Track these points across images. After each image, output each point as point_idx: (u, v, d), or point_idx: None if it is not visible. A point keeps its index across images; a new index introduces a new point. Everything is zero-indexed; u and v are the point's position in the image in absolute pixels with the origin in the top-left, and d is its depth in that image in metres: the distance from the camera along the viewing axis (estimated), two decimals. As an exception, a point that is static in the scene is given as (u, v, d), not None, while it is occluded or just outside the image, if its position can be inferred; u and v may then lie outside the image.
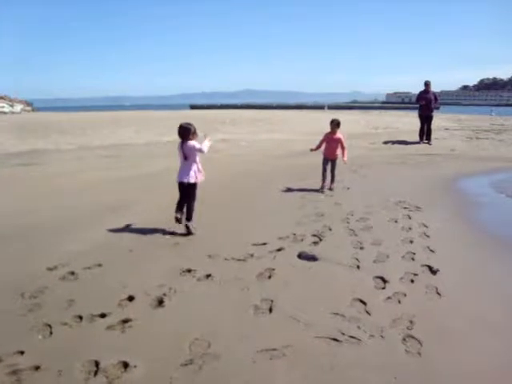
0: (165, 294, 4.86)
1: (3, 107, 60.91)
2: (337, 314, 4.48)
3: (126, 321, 4.30)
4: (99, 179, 11.58)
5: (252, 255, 6.12)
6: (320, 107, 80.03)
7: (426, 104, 19.10)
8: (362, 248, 6.44)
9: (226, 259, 5.99)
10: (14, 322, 4.30)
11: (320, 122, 26.18)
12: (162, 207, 8.47)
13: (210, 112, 54.53)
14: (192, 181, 7.05)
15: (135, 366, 3.54)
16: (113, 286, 5.11)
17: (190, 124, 7.07)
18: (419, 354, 3.85)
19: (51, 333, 4.10)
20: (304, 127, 27.79)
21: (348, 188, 10.70)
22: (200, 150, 6.97)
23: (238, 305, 4.67)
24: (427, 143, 19.31)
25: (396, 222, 7.82)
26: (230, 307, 4.63)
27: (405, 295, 4.94)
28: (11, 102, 68.46)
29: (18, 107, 66.54)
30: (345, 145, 10.42)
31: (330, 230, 7.30)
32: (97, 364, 3.58)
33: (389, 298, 4.88)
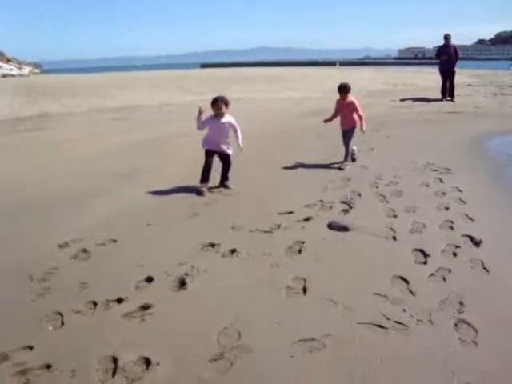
0: (187, 274, 4.42)
1: (11, 70, 60.23)
2: (378, 294, 4.02)
3: (145, 307, 3.87)
4: (112, 144, 11.12)
5: (279, 226, 5.67)
6: (331, 63, 78.23)
7: (447, 59, 18.24)
8: (395, 216, 5.96)
9: (250, 231, 5.54)
10: (23, 310, 3.89)
11: (334, 80, 25.31)
12: (181, 174, 8.04)
13: (223, 70, 53.45)
14: (230, 151, 7.41)
15: (158, 364, 3.11)
16: (129, 265, 4.69)
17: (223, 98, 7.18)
18: (475, 343, 3.40)
19: (63, 323, 3.68)
20: (320, 84, 27.01)
21: (372, 149, 10.17)
22: (236, 131, 7.40)
23: (268, 285, 4.22)
24: (450, 100, 18.52)
25: (428, 186, 7.32)
26: (260, 288, 4.18)
27: (449, 271, 4.45)
28: (19, 64, 67.62)
29: (27, 70, 65.74)
30: (360, 110, 8.73)
31: (359, 195, 6.84)
32: (115, 361, 3.16)
33: (432, 274, 4.40)
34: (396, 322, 3.62)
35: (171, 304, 3.94)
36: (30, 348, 3.36)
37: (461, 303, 3.89)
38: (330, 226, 5.64)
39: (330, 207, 6.36)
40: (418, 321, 3.64)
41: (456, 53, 18.49)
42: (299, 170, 8.39)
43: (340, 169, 8.45)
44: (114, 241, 5.30)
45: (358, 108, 8.74)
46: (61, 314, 3.81)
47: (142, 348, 3.30)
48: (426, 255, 4.81)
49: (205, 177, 7.11)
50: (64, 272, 4.56)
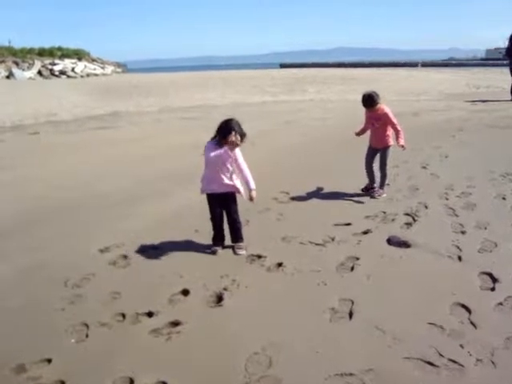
0: (225, 289, 4.13)
1: (95, 69, 62.70)
2: (433, 324, 3.56)
3: (175, 323, 3.62)
4: (174, 144, 11.07)
5: (333, 239, 5.28)
6: (413, 65, 75.85)
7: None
8: (463, 232, 5.41)
9: (301, 243, 5.19)
10: (51, 317, 3.75)
11: (412, 81, 24.33)
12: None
13: (300, 71, 53.09)
14: (233, 189, 5.07)
15: (174, 391, 2.86)
16: (167, 274, 4.46)
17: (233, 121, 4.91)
18: (546, 392, 2.90)
19: (87, 335, 3.51)
20: (395, 86, 26.09)
21: (446, 156, 9.48)
22: (241, 171, 4.99)
23: (312, 306, 3.85)
24: None
25: (504, 198, 6.65)
26: (302, 309, 3.82)
27: (521, 301, 3.93)
28: (103, 64, 70.29)
29: (109, 69, 68.22)
30: (396, 123, 6.83)
31: (426, 207, 6.30)
32: (131, 383, 2.95)
33: (500, 304, 3.87)
34: (450, 359, 3.15)
35: (203, 322, 3.66)
36: (49, 361, 3.20)
37: (533, 342, 3.37)
38: (390, 242, 5.18)
39: (393, 219, 5.89)
40: (478, 360, 3.15)
41: None
42: (363, 177, 7.91)
43: (372, 197, 6.88)
44: (157, 247, 5.11)
45: (394, 121, 6.81)
46: (87, 326, 3.64)
47: (161, 371, 3.04)
48: (494, 280, 4.26)
49: (217, 235, 5.20)
50: (99, 279, 4.41)
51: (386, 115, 6.78)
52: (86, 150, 10.96)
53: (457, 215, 5.98)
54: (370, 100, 6.75)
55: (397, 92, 22.34)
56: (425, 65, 75.13)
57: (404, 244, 5.08)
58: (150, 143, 11.39)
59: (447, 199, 6.63)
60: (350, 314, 3.74)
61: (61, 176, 8.43)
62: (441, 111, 16.72)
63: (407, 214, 6.03)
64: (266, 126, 13.66)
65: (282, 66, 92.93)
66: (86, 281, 4.37)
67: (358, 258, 4.75)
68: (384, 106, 6.82)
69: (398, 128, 6.80)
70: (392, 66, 72.37)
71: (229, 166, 4.88)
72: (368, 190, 7.08)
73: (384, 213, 6.10)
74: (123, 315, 3.79)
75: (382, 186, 7.05)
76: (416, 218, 5.87)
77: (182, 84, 30.15)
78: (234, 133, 4.70)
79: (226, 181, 4.89)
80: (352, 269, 4.56)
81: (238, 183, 4.99)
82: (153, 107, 18.41)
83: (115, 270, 4.62)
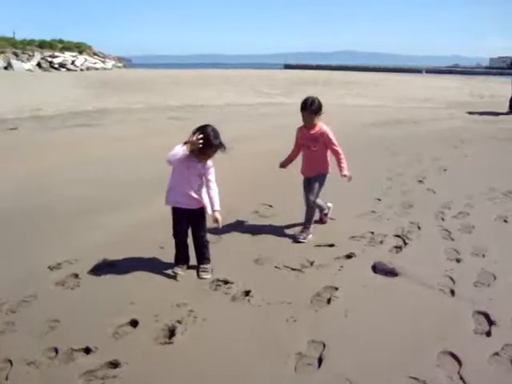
0: (179, 321, 3.57)
1: (95, 63, 62.27)
2: (415, 379, 2.99)
3: (113, 364, 3.07)
4: (156, 146, 10.48)
5: (312, 263, 4.72)
6: (418, 71, 75.30)
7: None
8: (458, 260, 4.85)
9: (276, 267, 4.62)
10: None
11: (414, 88, 23.81)
12: (229, 189, 7.22)
13: (304, 72, 52.60)
14: (201, 204, 4.45)
15: None
16: (119, 300, 3.91)
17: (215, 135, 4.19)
18: None
19: (7, 378, 2.95)
20: (396, 92, 25.64)
21: (445, 169, 8.92)
22: (208, 188, 4.41)
23: (275, 349, 3.28)
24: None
25: (505, 221, 6.09)
26: (265, 352, 3.25)
27: (522, 351, 3.35)
28: (104, 58, 69.86)
29: (110, 63, 67.84)
30: (337, 145, 5.45)
31: (419, 228, 5.75)
32: None
33: (496, 354, 3.29)
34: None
35: (144, 364, 3.09)
36: None
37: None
38: (375, 269, 4.62)
39: (381, 241, 5.33)
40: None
41: None
42: (354, 189, 7.31)
43: (297, 241, 5.32)
44: (114, 265, 4.55)
45: (335, 142, 5.43)
46: (10, 363, 3.09)
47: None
48: (490, 322, 3.69)
49: (180, 254, 4.62)
50: (40, 303, 3.85)
51: (325, 135, 5.31)
52: (63, 149, 10.32)
53: (452, 239, 5.42)
54: (314, 104, 5.21)
55: (399, 98, 21.84)
56: (429, 71, 74.53)
57: (391, 272, 4.53)
58: (130, 144, 10.80)
59: (443, 219, 6.08)
60: (320, 361, 3.18)
61: (25, 178, 7.81)
62: (443, 120, 16.19)
63: (397, 236, 5.47)
64: (253, 130, 13.11)
65: (287, 66, 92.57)
66: (25, 305, 3.81)
67: (336, 288, 4.18)
68: (323, 124, 5.38)
69: (340, 152, 5.39)
70: (396, 72, 71.87)
71: (197, 177, 4.30)
72: (322, 221, 5.93)
73: (372, 233, 5.54)
74: (56, 350, 3.23)
75: (306, 225, 5.45)
76: (407, 241, 5.31)
77: (181, 81, 29.68)
78: (197, 134, 4.07)
79: (194, 194, 4.31)
80: (329, 301, 3.99)
81: (205, 198, 4.41)
82: (142, 104, 17.89)
83: (61, 292, 4.06)
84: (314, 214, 5.54)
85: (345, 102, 20.56)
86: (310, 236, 5.38)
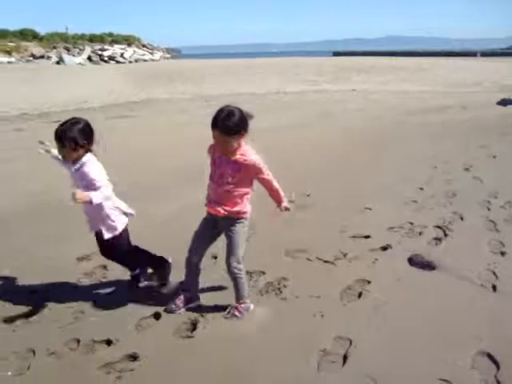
0: (202, 315, 3.49)
1: (144, 55, 63.36)
2: (447, 382, 2.79)
3: (132, 357, 3.03)
4: (195, 135, 10.47)
5: (345, 255, 4.54)
6: (471, 54, 72.72)
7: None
8: (503, 253, 4.56)
9: (308, 259, 4.47)
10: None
11: (466, 72, 22.94)
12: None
13: (351, 59, 51.83)
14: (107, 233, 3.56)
15: None
16: (144, 293, 3.85)
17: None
18: None
19: (28, 367, 2.95)
20: (445, 76, 24.79)
21: (494, 157, 8.50)
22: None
23: (300, 345, 3.14)
24: None
25: (558, 212, 5.72)
26: (288, 348, 3.12)
27: None
28: (152, 50, 70.99)
29: (158, 55, 68.92)
30: (269, 173, 3.44)
31: (462, 219, 5.47)
32: None
33: (542, 356, 3.07)
34: None
35: (163, 358, 3.02)
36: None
37: None
38: (412, 261, 4.40)
39: (420, 233, 5.09)
40: None
41: None
42: (394, 178, 7.07)
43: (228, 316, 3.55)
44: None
45: (266, 171, 3.42)
46: (33, 353, 3.09)
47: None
48: (536, 320, 3.45)
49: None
50: (67, 293, 3.84)
51: (253, 167, 3.33)
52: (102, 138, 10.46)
53: (498, 230, 5.13)
54: (228, 119, 3.16)
55: (448, 83, 21.13)
56: (484, 54, 71.87)
57: (428, 265, 4.30)
58: (171, 133, 10.81)
59: (489, 209, 5.77)
60: (344, 359, 3.02)
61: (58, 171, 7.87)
62: (494, 105, 15.49)
63: (438, 227, 5.21)
64: (296, 118, 12.91)
65: (336, 54, 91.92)
66: (52, 295, 3.79)
67: (369, 282, 4.00)
68: (249, 149, 3.36)
69: (274, 181, 3.50)
70: (447, 56, 69.77)
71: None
72: (182, 304, 3.61)
73: (411, 224, 5.30)
74: (78, 341, 3.21)
75: (237, 299, 3.59)
76: (448, 233, 5.05)
77: (226, 71, 29.68)
78: None
79: None
80: (359, 295, 3.82)
81: None
82: (186, 95, 17.94)
83: (88, 283, 4.04)
84: (245, 283, 3.62)
85: (390, 88, 20.04)
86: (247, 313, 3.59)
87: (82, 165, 3.35)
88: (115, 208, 3.55)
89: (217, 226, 3.53)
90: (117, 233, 3.56)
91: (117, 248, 3.64)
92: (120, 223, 3.58)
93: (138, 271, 3.94)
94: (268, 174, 3.41)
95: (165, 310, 3.55)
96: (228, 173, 3.30)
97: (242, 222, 3.45)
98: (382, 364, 2.95)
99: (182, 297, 3.60)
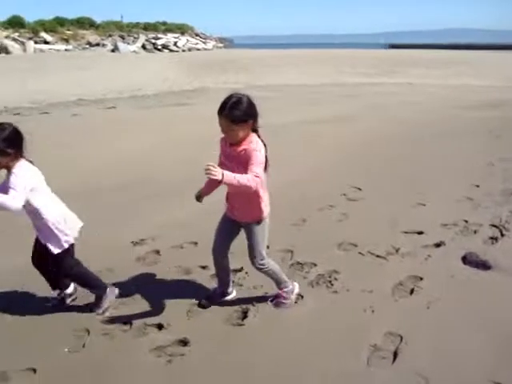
0: (253, 304, 3.54)
1: (197, 44, 64.03)
2: None
3: (183, 342, 3.10)
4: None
5: (397, 250, 4.49)
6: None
7: None
8: None
9: (360, 253, 4.45)
10: (53, 318, 3.39)
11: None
12: (306, 168, 7.08)
13: (407, 52, 50.71)
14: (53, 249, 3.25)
15: None
16: (199, 277, 3.96)
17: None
18: None
19: (84, 345, 3.08)
20: (507, 71, 23.85)
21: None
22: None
23: (349, 340, 3.13)
24: None
25: None
26: (337, 342, 3.13)
27: None
28: (205, 39, 71.64)
29: (211, 44, 69.53)
30: (258, 166, 2.92)
31: (520, 218, 5.31)
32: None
33: None
34: None
35: (213, 344, 3.08)
36: (34, 371, 2.83)
37: None
38: (466, 260, 4.32)
39: (475, 231, 4.97)
40: None
41: None
42: (449, 175, 6.93)
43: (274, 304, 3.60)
44: (197, 244, 4.59)
45: (253, 166, 2.92)
46: (88, 332, 3.21)
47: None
48: None
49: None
50: (120, 276, 3.95)
51: (249, 153, 3.00)
52: (154, 126, 10.73)
53: (557, 232, 4.95)
54: (237, 106, 2.99)
55: (509, 78, 20.35)
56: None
57: (482, 265, 4.21)
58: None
59: (548, 209, 5.58)
60: (395, 355, 3.00)
61: (115, 157, 8.09)
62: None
63: (494, 226, 5.08)
64: (350, 109, 12.78)
65: (392, 46, 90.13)
66: (106, 277, 3.86)
67: (421, 278, 3.95)
68: (258, 141, 3.10)
69: (245, 179, 2.83)
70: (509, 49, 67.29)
71: None
72: (217, 298, 3.65)
73: (466, 221, 5.19)
74: (130, 324, 3.31)
75: (281, 285, 3.58)
76: (504, 232, 4.91)
77: (277, 61, 29.63)
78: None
79: None
80: (411, 291, 3.78)
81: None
82: (239, 84, 18.02)
83: (140, 268, 4.15)
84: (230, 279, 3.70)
85: (449, 82, 19.58)
86: (290, 300, 3.60)
87: (11, 173, 2.98)
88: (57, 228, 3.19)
89: (237, 231, 3.47)
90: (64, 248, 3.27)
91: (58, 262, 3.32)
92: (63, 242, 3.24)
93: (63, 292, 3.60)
94: (252, 172, 2.87)
95: (198, 305, 3.57)
96: (238, 166, 3.02)
97: (261, 223, 3.31)
98: (434, 362, 2.91)
99: (216, 292, 3.67)
